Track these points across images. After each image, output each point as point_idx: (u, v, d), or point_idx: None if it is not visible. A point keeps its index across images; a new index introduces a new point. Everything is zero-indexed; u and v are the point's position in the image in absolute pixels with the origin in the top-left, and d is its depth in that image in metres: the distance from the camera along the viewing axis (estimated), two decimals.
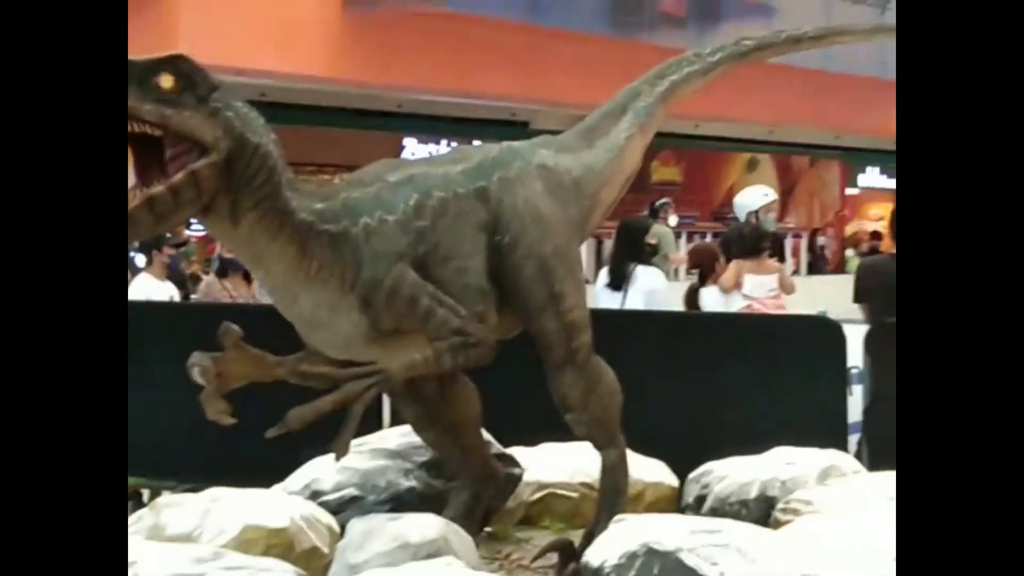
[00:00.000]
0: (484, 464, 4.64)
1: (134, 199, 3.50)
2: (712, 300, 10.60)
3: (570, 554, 4.32)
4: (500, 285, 4.17)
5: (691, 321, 8.33)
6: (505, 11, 17.25)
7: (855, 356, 6.61)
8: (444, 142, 22.22)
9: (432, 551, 3.91)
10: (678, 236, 20.51)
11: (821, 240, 28.41)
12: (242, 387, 3.94)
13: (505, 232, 4.16)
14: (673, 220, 19.04)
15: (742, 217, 12.82)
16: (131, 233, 3.54)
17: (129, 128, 3.47)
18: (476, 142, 16.43)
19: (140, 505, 5.15)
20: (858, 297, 8.75)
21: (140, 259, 11.99)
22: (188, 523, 4.31)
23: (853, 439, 6.49)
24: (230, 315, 4.07)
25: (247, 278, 11.15)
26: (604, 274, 10.19)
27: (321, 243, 3.84)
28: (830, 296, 12.63)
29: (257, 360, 3.90)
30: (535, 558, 4.51)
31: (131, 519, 4.47)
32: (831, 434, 5.83)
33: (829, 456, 5.11)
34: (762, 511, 4.78)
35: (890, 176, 32.45)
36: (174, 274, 11.63)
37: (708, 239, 20.13)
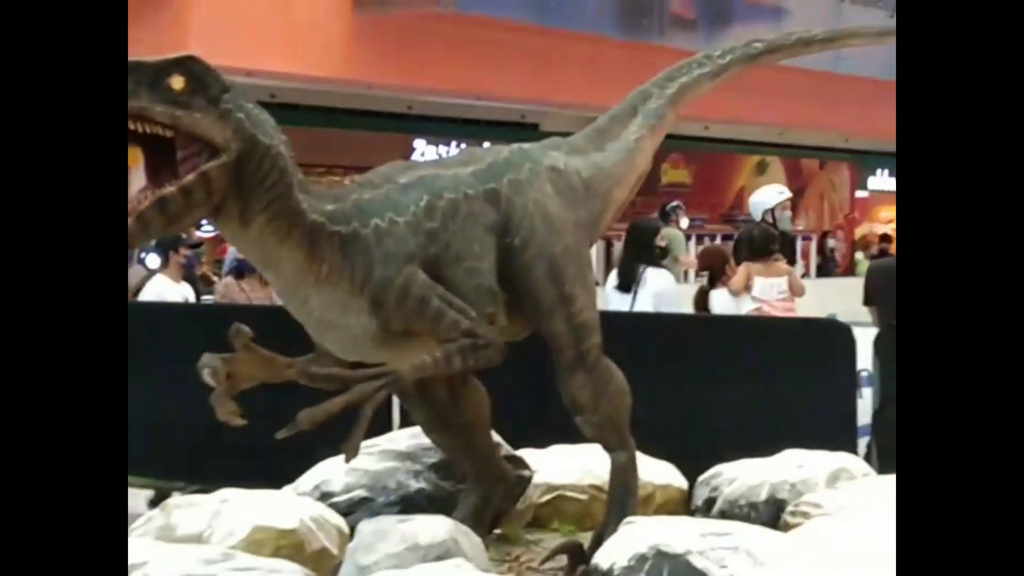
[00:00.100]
0: (494, 466, 4.64)
1: (145, 200, 3.50)
2: (722, 302, 10.59)
3: (579, 556, 4.32)
4: (510, 286, 4.16)
5: (701, 323, 8.34)
6: (515, 13, 17.24)
7: (865, 359, 6.61)
8: (454, 144, 22.23)
9: (442, 553, 3.90)
10: (688, 239, 20.49)
11: (831, 243, 28.39)
12: (252, 388, 3.94)
13: (515, 233, 4.16)
14: (684, 223, 19.04)
15: (758, 216, 12.80)
16: (143, 234, 3.55)
17: (140, 129, 3.48)
18: (486, 144, 16.40)
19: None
20: (868, 300, 8.76)
21: (153, 260, 11.99)
22: (198, 524, 4.32)
23: (863, 441, 6.48)
24: (242, 316, 4.07)
25: (264, 280, 11.14)
26: (614, 276, 10.19)
27: (332, 244, 3.84)
28: (840, 298, 12.63)
29: (267, 361, 3.90)
30: (544, 560, 4.50)
31: (141, 520, 4.48)
32: (841, 436, 5.83)
33: (839, 459, 5.10)
34: (772, 514, 4.78)
35: None
36: (190, 275, 11.63)
37: (718, 241, 20.13)
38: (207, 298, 12.17)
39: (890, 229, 28.60)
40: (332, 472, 4.90)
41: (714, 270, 11.05)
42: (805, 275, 21.38)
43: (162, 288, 10.51)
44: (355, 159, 18.32)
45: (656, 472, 5.16)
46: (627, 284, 9.86)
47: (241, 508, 4.37)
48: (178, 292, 10.62)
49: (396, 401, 5.28)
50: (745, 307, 10.38)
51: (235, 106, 3.64)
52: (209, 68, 3.61)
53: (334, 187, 4.01)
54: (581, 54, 18.68)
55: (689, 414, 6.20)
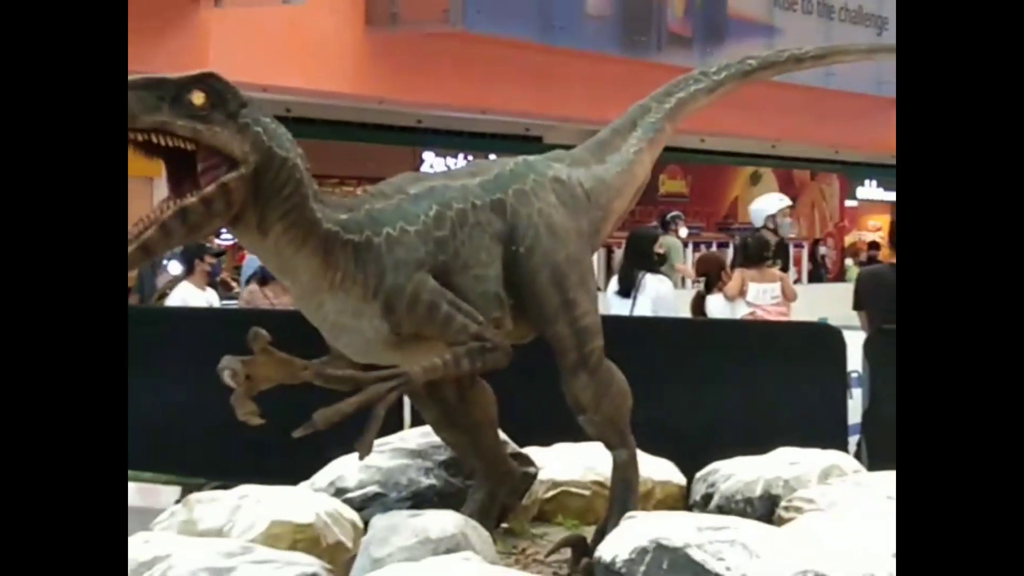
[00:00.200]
0: (501, 463, 4.63)
1: (168, 210, 3.51)
2: (717, 307, 10.61)
3: (583, 549, 4.31)
4: (516, 292, 4.16)
5: (698, 327, 8.33)
6: (520, 32, 17.26)
7: (855, 361, 6.61)
8: (461, 156, 22.24)
9: (451, 546, 3.90)
10: (685, 246, 20.48)
11: (822, 250, 28.39)
12: (270, 389, 3.93)
13: (521, 242, 4.16)
14: (683, 232, 19.05)
15: (759, 222, 12.80)
16: (165, 242, 3.55)
17: (163, 142, 3.48)
18: (492, 156, 16.45)
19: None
20: (857, 304, 8.75)
21: (174, 267, 12.00)
22: (219, 519, 4.32)
23: (853, 440, 6.49)
24: (260, 320, 4.07)
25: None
26: (614, 282, 10.20)
27: (345, 252, 3.84)
28: (830, 303, 12.63)
29: (284, 363, 3.89)
30: (549, 553, 4.50)
31: (164, 515, 4.48)
32: (832, 435, 5.83)
33: (830, 456, 5.09)
34: (766, 509, 4.77)
35: (887, 189, 32.44)
36: (214, 282, 11.66)
37: (713, 249, 20.12)
38: (227, 303, 12.19)
39: (878, 237, 28.62)
40: (346, 469, 4.90)
41: (710, 276, 11.07)
42: (797, 281, 21.37)
43: (187, 295, 10.54)
44: (367, 170, 18.36)
45: (656, 469, 5.16)
46: (627, 290, 9.88)
47: (260, 503, 4.36)
48: (203, 298, 10.65)
49: (407, 401, 5.27)
50: (740, 312, 10.40)
51: (253, 120, 3.63)
52: (228, 84, 3.61)
53: (347, 197, 4.01)
54: (582, 71, 18.69)
55: (687, 414, 6.20)
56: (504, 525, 4.83)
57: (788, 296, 10.71)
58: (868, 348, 6.56)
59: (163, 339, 7.33)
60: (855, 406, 6.62)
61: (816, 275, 26.47)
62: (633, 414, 4.39)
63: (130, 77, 3.42)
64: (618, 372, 4.34)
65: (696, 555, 3.57)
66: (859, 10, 23.79)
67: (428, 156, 23.05)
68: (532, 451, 5.08)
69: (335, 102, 17.85)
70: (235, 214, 3.63)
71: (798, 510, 4.55)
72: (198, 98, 3.52)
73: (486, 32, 16.71)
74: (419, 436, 5.02)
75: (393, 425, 5.20)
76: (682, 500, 5.16)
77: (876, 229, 32.32)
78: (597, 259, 11.25)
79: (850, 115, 23.68)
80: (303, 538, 4.23)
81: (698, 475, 5.15)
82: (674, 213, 18.47)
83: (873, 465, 5.31)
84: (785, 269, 12.43)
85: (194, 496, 4.57)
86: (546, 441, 5.33)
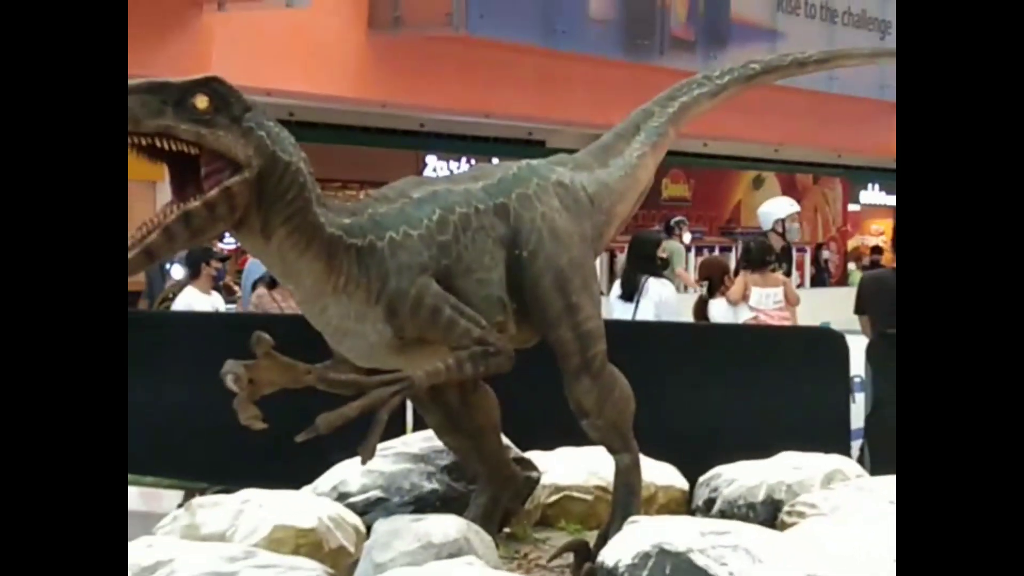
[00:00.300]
0: (503, 468, 4.64)
1: (171, 214, 3.51)
2: (720, 312, 10.60)
3: (585, 554, 4.31)
4: (519, 296, 4.16)
5: (700, 332, 8.33)
6: (523, 36, 17.26)
7: (857, 365, 6.60)
8: (464, 160, 22.25)
9: (454, 551, 3.90)
10: (688, 251, 20.50)
11: (825, 254, 28.39)
12: (273, 393, 3.93)
13: (524, 246, 4.16)
14: (687, 238, 19.07)
15: (768, 225, 12.79)
16: (169, 245, 3.55)
17: (166, 146, 3.48)
18: (495, 160, 16.44)
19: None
20: (859, 309, 8.75)
21: (177, 270, 12.01)
22: (222, 523, 4.32)
23: (856, 444, 6.47)
24: (263, 324, 4.07)
25: None
26: (617, 286, 10.20)
27: (349, 256, 3.84)
28: (833, 307, 12.62)
29: (287, 368, 3.89)
30: (552, 558, 4.50)
31: (167, 519, 4.48)
32: (835, 440, 5.82)
33: (833, 461, 5.09)
34: (769, 513, 4.77)
35: (890, 193, 32.45)
36: (218, 286, 11.67)
37: (716, 253, 20.14)
38: (228, 307, 12.20)
39: (881, 241, 28.63)
40: (349, 473, 4.90)
41: (713, 280, 11.06)
42: (800, 285, 21.36)
43: (192, 299, 10.54)
44: (370, 174, 18.39)
45: (658, 473, 5.16)
46: (630, 294, 9.88)
47: (262, 508, 4.37)
48: (208, 302, 10.66)
49: (410, 406, 5.27)
50: (743, 316, 10.40)
51: (256, 124, 3.63)
52: (231, 88, 3.60)
53: (350, 202, 4.01)
54: (585, 75, 18.69)
55: (690, 418, 6.20)
56: (507, 530, 4.83)
57: (791, 301, 10.70)
58: (871, 352, 6.56)
59: (167, 343, 7.33)
60: (858, 410, 6.61)
61: (819, 279, 26.48)
62: (636, 418, 4.39)
63: (134, 81, 3.42)
64: (621, 376, 4.34)
65: (699, 560, 3.57)
66: (862, 14, 23.79)
67: (431, 160, 23.06)
68: (535, 455, 5.08)
69: (338, 106, 17.86)
70: (239, 218, 3.63)
71: (801, 515, 4.55)
72: (201, 102, 3.52)
73: (489, 36, 16.72)
74: (422, 440, 5.02)
75: (396, 429, 5.20)
76: (685, 505, 5.16)
77: (879, 233, 32.33)
78: (600, 263, 11.25)
79: (853, 119, 23.67)
80: (306, 542, 4.23)
81: (701, 480, 5.15)
82: (678, 218, 18.52)
83: (876, 469, 5.30)
84: (788, 274, 12.42)
85: (197, 500, 4.57)
86: (549, 445, 5.33)
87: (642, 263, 10.02)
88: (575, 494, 5.10)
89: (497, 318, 4.08)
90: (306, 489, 4.91)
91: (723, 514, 4.84)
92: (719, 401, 6.29)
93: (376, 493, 4.83)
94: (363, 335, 3.93)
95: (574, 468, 5.19)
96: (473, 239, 4.08)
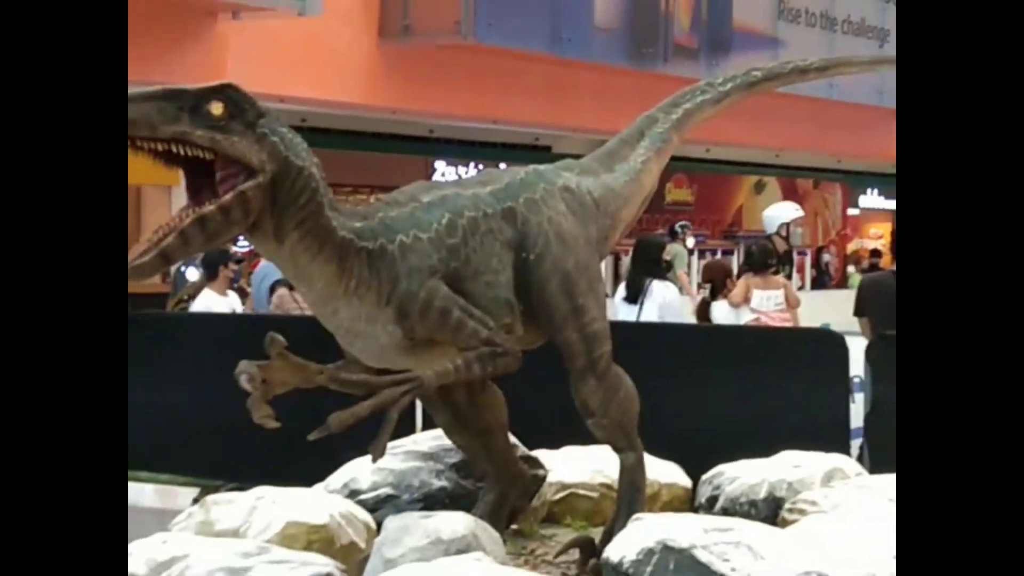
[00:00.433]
0: (511, 466, 4.63)
1: (187, 218, 3.51)
2: (722, 313, 10.61)
3: (591, 550, 4.31)
4: (526, 299, 4.16)
5: (703, 333, 8.33)
6: (529, 44, 17.26)
7: (857, 366, 6.60)
8: (472, 165, 22.24)
9: (462, 547, 3.90)
10: (691, 254, 20.48)
11: (826, 257, 28.35)
12: (286, 393, 3.93)
13: (531, 249, 4.16)
14: (691, 241, 19.06)
15: (772, 228, 12.79)
16: (184, 249, 3.55)
17: (182, 152, 3.48)
18: (503, 165, 16.46)
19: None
20: (859, 311, 8.74)
21: (192, 273, 12.02)
22: (236, 519, 4.32)
23: (855, 443, 6.47)
24: (276, 325, 4.07)
25: None
26: (622, 288, 10.20)
27: (360, 259, 3.84)
28: (833, 309, 12.62)
29: (300, 368, 3.89)
30: (558, 554, 4.49)
31: (182, 516, 4.48)
32: (835, 439, 5.81)
33: (833, 459, 5.08)
34: (770, 511, 4.76)
35: (888, 198, 32.41)
36: (234, 288, 11.69)
37: (718, 256, 20.13)
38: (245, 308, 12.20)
39: (880, 244, 28.59)
40: (360, 471, 4.90)
41: (716, 283, 11.07)
42: (801, 287, 21.35)
43: (210, 300, 10.56)
44: (380, 179, 18.39)
45: (662, 472, 5.15)
46: (634, 296, 9.87)
47: (275, 505, 4.36)
48: (225, 303, 10.67)
49: (419, 405, 5.27)
50: (744, 318, 10.40)
51: (270, 130, 3.63)
52: (246, 95, 3.61)
53: (362, 206, 4.01)
54: (591, 82, 18.69)
55: (693, 417, 6.19)
56: (514, 526, 4.83)
57: (791, 303, 10.71)
58: (870, 353, 6.55)
59: (182, 344, 7.34)
60: (857, 410, 6.61)
61: (820, 282, 26.45)
62: (640, 417, 4.38)
63: (150, 88, 3.43)
64: (626, 377, 4.34)
65: (702, 556, 3.57)
66: (862, 22, 23.77)
67: (440, 165, 23.06)
68: (541, 454, 5.07)
69: (349, 112, 17.86)
70: (252, 222, 3.63)
71: (802, 512, 4.54)
72: (217, 108, 3.52)
73: (497, 44, 16.72)
74: (431, 439, 5.02)
75: (406, 428, 5.20)
76: (688, 502, 5.16)
77: (878, 237, 32.29)
78: (605, 266, 11.25)
79: (852, 125, 23.65)
80: (318, 539, 4.23)
81: (703, 478, 5.14)
82: (682, 223, 18.53)
83: (875, 468, 5.29)
84: (789, 276, 12.43)
85: (211, 497, 4.57)
86: (555, 444, 5.32)
87: (647, 266, 10.02)
88: (581, 492, 5.10)
89: (505, 320, 4.08)
90: (318, 486, 4.90)
91: (725, 511, 4.83)
92: (721, 401, 6.29)
93: (386, 490, 4.82)
94: (374, 336, 3.93)
95: (580, 466, 5.18)
96: (481, 242, 4.07)
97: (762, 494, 4.86)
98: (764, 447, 5.18)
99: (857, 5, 23.67)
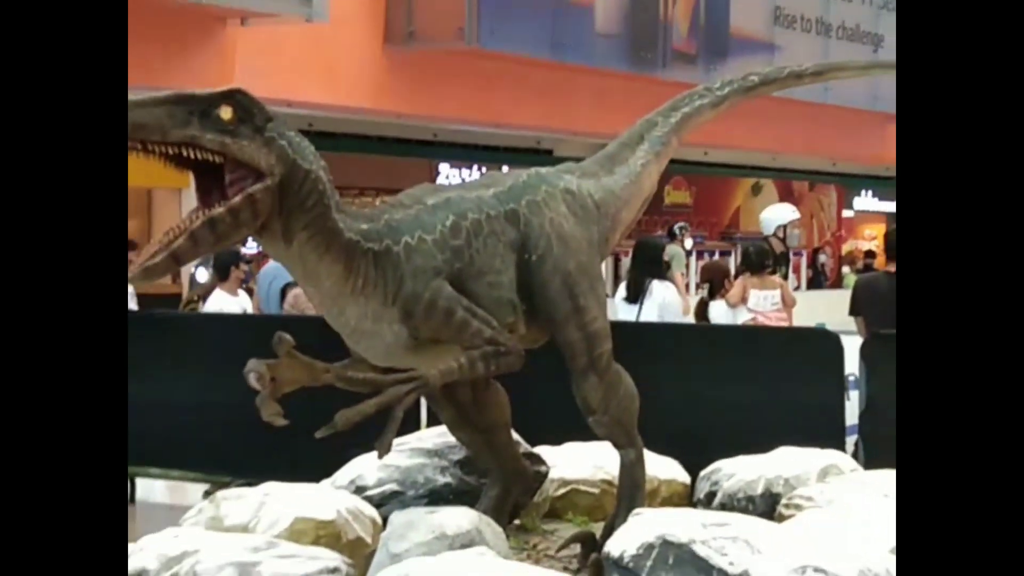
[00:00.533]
0: (513, 462, 4.63)
1: (197, 220, 3.51)
2: (720, 313, 10.60)
3: (592, 545, 4.31)
4: (528, 298, 4.16)
5: (701, 332, 8.33)
6: (531, 49, 17.25)
7: (852, 364, 6.60)
8: (476, 168, 22.23)
9: (467, 542, 3.90)
10: (689, 255, 20.46)
11: (822, 257, 28.33)
12: (294, 391, 3.93)
13: (533, 250, 4.16)
14: (689, 243, 19.05)
15: (770, 230, 12.76)
16: (194, 250, 3.55)
17: (192, 155, 3.49)
18: (505, 168, 16.46)
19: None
20: (854, 310, 8.74)
21: (202, 274, 12.01)
22: (245, 515, 4.32)
23: (850, 440, 6.47)
24: (283, 325, 4.07)
25: None
26: (623, 288, 10.19)
27: (366, 260, 3.84)
28: (828, 309, 12.61)
29: (307, 366, 3.89)
30: (560, 548, 4.50)
31: (192, 511, 4.48)
32: (830, 435, 5.81)
33: (828, 456, 5.08)
34: (767, 506, 4.76)
35: (882, 200, 32.39)
36: (247, 288, 11.69)
37: (716, 257, 20.12)
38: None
39: (874, 245, 28.57)
40: (366, 468, 4.90)
41: (714, 283, 11.07)
42: (797, 288, 21.32)
43: (221, 300, 10.56)
44: (386, 182, 18.38)
45: (661, 468, 5.15)
46: (634, 296, 9.87)
47: (283, 501, 4.37)
48: (236, 304, 10.67)
49: (424, 403, 5.27)
50: (741, 317, 10.40)
51: (278, 134, 3.64)
52: (254, 99, 3.61)
53: (367, 208, 4.01)
54: (591, 86, 18.67)
55: (691, 415, 6.19)
56: (517, 521, 4.83)
57: (788, 303, 10.70)
58: (864, 352, 6.55)
59: (193, 343, 7.34)
60: (852, 407, 6.61)
61: (816, 282, 26.43)
62: (640, 415, 4.38)
63: (161, 93, 3.44)
64: (626, 375, 4.34)
65: (700, 550, 3.57)
66: (856, 28, 23.74)
67: (444, 168, 23.04)
68: (543, 450, 5.08)
69: (355, 117, 17.86)
70: (261, 224, 3.64)
71: (798, 507, 4.55)
72: (226, 113, 3.52)
73: (499, 50, 16.71)
74: (436, 436, 5.02)
75: (411, 426, 5.20)
76: (687, 498, 5.16)
77: (872, 238, 32.26)
78: (605, 267, 11.25)
79: (847, 129, 23.63)
80: (325, 534, 4.23)
81: (702, 474, 5.15)
82: (681, 224, 18.51)
83: (870, 464, 5.29)
84: (786, 277, 12.42)
85: (221, 493, 4.57)
86: (557, 441, 5.32)
87: (646, 267, 10.02)
88: (582, 487, 5.10)
89: (508, 319, 4.08)
90: (325, 483, 4.91)
91: (723, 507, 4.84)
92: (719, 398, 6.28)
93: (392, 487, 4.83)
94: (380, 335, 3.93)
95: (581, 463, 5.18)
96: (485, 243, 4.07)
97: (759, 490, 4.86)
98: (761, 444, 5.19)
99: (851, 11, 23.64)
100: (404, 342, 3.93)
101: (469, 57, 16.88)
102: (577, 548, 4.41)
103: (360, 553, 4.23)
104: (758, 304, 10.47)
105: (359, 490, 4.80)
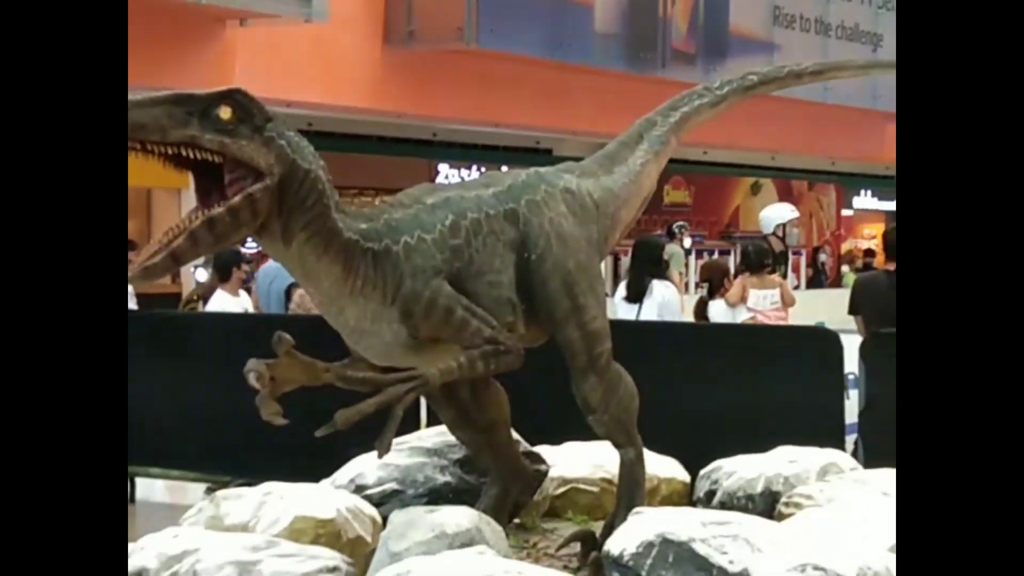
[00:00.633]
0: (513, 461, 4.63)
1: (196, 219, 3.51)
2: (719, 312, 10.61)
3: (592, 544, 4.31)
4: (528, 298, 4.16)
5: (701, 331, 8.33)
6: (531, 49, 17.26)
7: (851, 363, 6.60)
8: (475, 168, 22.23)
9: (466, 540, 3.90)
10: (689, 254, 20.46)
11: (822, 256, 28.33)
12: (294, 390, 3.93)
13: (533, 249, 4.16)
14: (688, 242, 19.05)
15: (769, 229, 12.74)
16: (194, 250, 3.55)
17: (191, 155, 3.49)
18: (504, 167, 16.45)
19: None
20: (853, 309, 8.75)
21: (201, 274, 12.01)
22: (245, 514, 4.32)
23: (850, 439, 6.48)
24: (283, 325, 4.07)
25: None
26: (622, 288, 10.19)
27: (365, 260, 3.84)
28: (828, 308, 12.61)
29: (307, 366, 3.89)
30: (560, 547, 4.50)
31: (192, 510, 4.48)
32: (829, 434, 5.82)
33: (828, 455, 5.08)
34: (767, 504, 4.76)
35: (881, 199, 32.40)
36: (248, 288, 11.69)
37: (716, 256, 20.12)
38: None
39: (873, 244, 28.58)
40: (366, 467, 4.90)
41: (713, 282, 11.07)
42: (797, 287, 21.32)
43: (223, 300, 10.56)
44: (385, 182, 18.36)
45: (661, 467, 5.15)
46: (634, 295, 9.86)
47: (283, 500, 4.37)
48: (238, 304, 10.67)
49: (424, 402, 5.27)
50: (741, 316, 10.40)
51: (277, 134, 3.64)
52: (253, 100, 3.61)
53: (367, 208, 4.01)
54: (590, 86, 18.67)
55: (691, 414, 6.19)
56: (516, 520, 4.83)
57: (787, 302, 10.71)
58: (864, 351, 6.55)
59: (193, 343, 7.34)
60: (851, 406, 6.62)
61: (816, 281, 26.43)
62: (639, 414, 4.38)
63: (160, 93, 3.44)
64: (626, 374, 4.33)
65: (700, 549, 3.57)
66: (855, 28, 23.74)
67: (443, 168, 23.05)
68: (543, 449, 5.08)
69: (355, 117, 17.86)
70: (260, 224, 3.64)
71: (798, 506, 4.55)
72: (225, 113, 3.52)
73: (499, 49, 16.72)
74: (435, 435, 5.02)
75: (411, 425, 5.20)
76: (686, 496, 5.16)
77: (871, 237, 32.28)
78: (605, 266, 11.25)
79: (846, 128, 23.64)
80: (325, 533, 4.23)
81: (702, 472, 5.15)
82: (680, 223, 18.52)
83: (869, 463, 5.29)
84: (785, 276, 12.42)
85: (221, 493, 4.57)
86: (556, 440, 5.32)
87: (646, 266, 10.01)
88: (582, 486, 5.10)
89: (507, 318, 4.08)
90: (325, 482, 4.91)
91: (723, 505, 4.83)
92: (719, 397, 6.29)
93: (392, 485, 4.83)
94: (379, 335, 3.93)
95: (581, 462, 5.18)
96: (484, 243, 4.07)
97: (759, 488, 4.86)
98: (761, 442, 5.19)
99: (850, 11, 23.65)
100: (404, 341, 3.93)
101: (468, 57, 16.89)
102: (577, 547, 4.41)
103: (360, 552, 4.23)
104: (758, 303, 10.47)
105: (359, 489, 4.80)
